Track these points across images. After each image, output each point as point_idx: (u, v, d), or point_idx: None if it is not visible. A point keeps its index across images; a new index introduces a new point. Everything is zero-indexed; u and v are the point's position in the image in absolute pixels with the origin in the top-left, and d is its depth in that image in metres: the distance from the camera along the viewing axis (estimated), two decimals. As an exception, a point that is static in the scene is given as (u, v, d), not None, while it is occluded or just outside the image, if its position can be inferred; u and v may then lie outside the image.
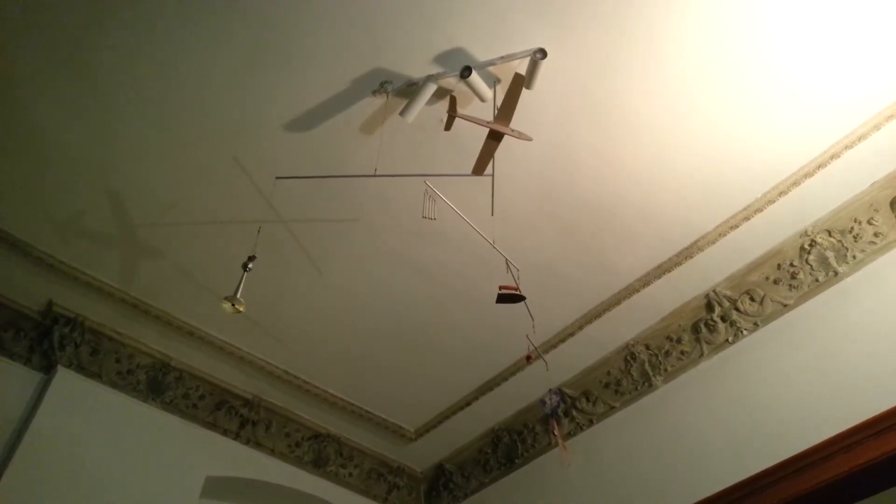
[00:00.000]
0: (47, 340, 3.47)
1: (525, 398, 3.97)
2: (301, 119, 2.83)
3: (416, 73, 2.66)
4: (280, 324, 3.64)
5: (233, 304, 2.42)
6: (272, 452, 3.99)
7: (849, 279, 3.07)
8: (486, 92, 2.64)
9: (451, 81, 2.66)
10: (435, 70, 2.64)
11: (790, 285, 3.23)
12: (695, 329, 3.49)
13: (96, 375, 3.53)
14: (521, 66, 2.58)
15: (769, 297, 3.28)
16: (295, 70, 2.68)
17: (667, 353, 3.57)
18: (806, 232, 3.18)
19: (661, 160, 2.94)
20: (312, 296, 3.50)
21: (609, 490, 3.50)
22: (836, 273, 3.10)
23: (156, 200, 3.11)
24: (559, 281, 3.40)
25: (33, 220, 3.18)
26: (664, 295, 3.44)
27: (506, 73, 2.60)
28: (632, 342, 3.66)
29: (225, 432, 3.85)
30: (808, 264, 3.17)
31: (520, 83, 2.49)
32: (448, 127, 2.65)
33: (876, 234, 3.03)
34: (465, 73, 2.54)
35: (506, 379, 3.87)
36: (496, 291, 2.54)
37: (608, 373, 3.76)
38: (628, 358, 3.67)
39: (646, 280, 3.38)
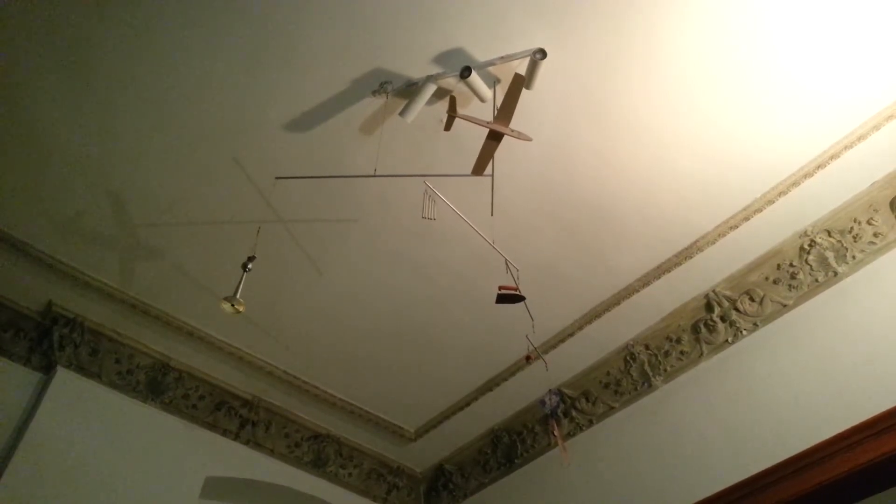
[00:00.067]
0: (47, 341, 3.47)
1: (525, 398, 3.97)
2: (301, 119, 2.83)
3: (416, 73, 2.66)
4: (280, 324, 3.64)
5: (232, 305, 2.42)
6: (272, 453, 3.99)
7: (848, 279, 3.07)
8: (486, 92, 2.64)
9: (451, 82, 2.66)
10: (435, 70, 2.64)
11: (790, 285, 3.23)
12: (694, 329, 3.49)
13: (96, 376, 3.53)
14: (521, 67, 2.58)
15: (769, 297, 3.28)
16: (295, 70, 2.68)
17: (666, 354, 3.57)
18: (805, 232, 3.18)
19: (660, 160, 2.94)
20: (312, 296, 3.50)
21: (609, 490, 3.50)
22: (835, 273, 3.10)
23: (156, 200, 3.11)
24: (559, 281, 3.40)
25: (33, 220, 3.18)
26: (664, 295, 3.44)
27: (505, 74, 2.60)
28: (631, 342, 3.66)
29: (224, 433, 3.85)
30: (808, 264, 3.17)
31: (519, 83, 2.49)
32: (448, 127, 2.65)
33: (875, 235, 3.03)
34: (465, 73, 2.54)
35: (505, 379, 3.87)
36: (496, 291, 2.54)
37: (608, 373, 3.76)
38: (628, 358, 3.67)
39: (645, 280, 3.38)
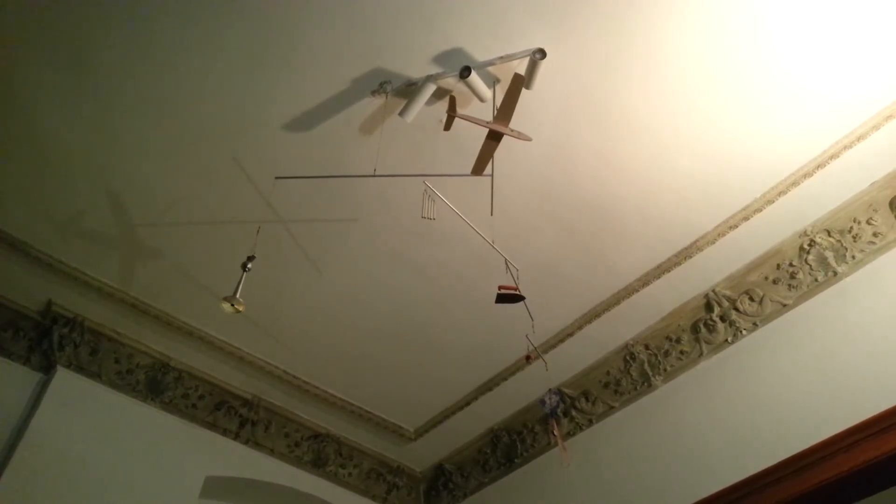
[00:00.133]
0: (46, 340, 3.47)
1: (524, 398, 3.97)
2: (301, 119, 2.83)
3: (416, 73, 2.66)
4: (279, 324, 3.64)
5: (232, 304, 2.42)
6: (272, 452, 3.99)
7: (848, 279, 3.07)
8: (486, 92, 2.64)
9: (451, 81, 2.66)
10: (434, 70, 2.64)
11: (789, 285, 3.23)
12: (694, 329, 3.49)
13: (96, 375, 3.53)
14: (521, 67, 2.58)
15: (768, 297, 3.28)
16: (295, 70, 2.68)
17: (666, 353, 3.57)
18: (805, 232, 3.18)
19: (660, 160, 2.94)
20: (312, 296, 3.50)
21: (608, 490, 3.50)
22: (835, 273, 3.10)
23: (156, 200, 3.11)
24: (559, 281, 3.40)
25: (33, 220, 3.18)
26: (663, 295, 3.44)
27: (505, 74, 2.60)
28: (631, 342, 3.66)
29: (224, 432, 3.85)
30: (808, 264, 3.17)
31: (519, 83, 2.49)
32: (447, 127, 2.65)
33: (875, 234, 3.03)
34: (465, 73, 2.54)
35: (505, 379, 3.87)
36: (496, 291, 2.54)
37: (608, 373, 3.76)
38: (628, 358, 3.67)
39: (645, 280, 3.38)
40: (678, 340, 3.53)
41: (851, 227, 3.08)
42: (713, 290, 3.41)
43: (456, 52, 2.60)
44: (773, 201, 3.05)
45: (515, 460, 4.07)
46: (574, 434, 3.82)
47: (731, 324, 3.36)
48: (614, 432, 3.66)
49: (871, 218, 3.04)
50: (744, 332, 3.33)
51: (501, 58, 2.58)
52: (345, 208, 3.14)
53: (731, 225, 3.15)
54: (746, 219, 3.12)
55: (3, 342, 3.38)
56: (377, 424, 4.19)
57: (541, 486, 3.85)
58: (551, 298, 3.46)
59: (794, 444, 2.83)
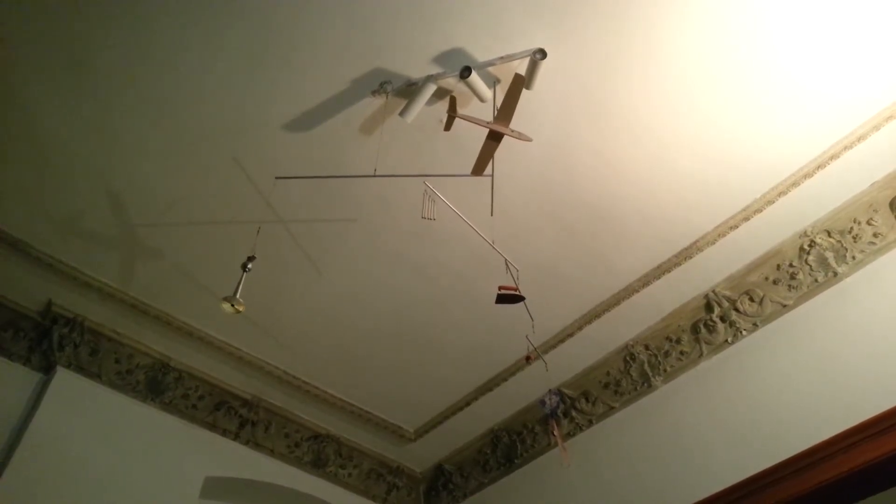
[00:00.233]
0: (46, 341, 3.47)
1: (524, 398, 3.97)
2: (301, 119, 2.83)
3: (416, 73, 2.66)
4: (279, 324, 3.64)
5: (232, 305, 2.42)
6: (271, 453, 3.99)
7: (848, 279, 3.07)
8: (486, 92, 2.64)
9: (451, 82, 2.66)
10: (434, 70, 2.64)
11: (789, 286, 3.23)
12: (694, 329, 3.49)
13: (95, 376, 3.53)
14: (521, 67, 2.58)
15: (768, 297, 3.28)
16: (295, 70, 2.68)
17: (666, 354, 3.57)
18: (805, 232, 3.18)
19: (660, 160, 2.94)
20: (312, 296, 3.50)
21: (608, 490, 3.50)
22: (835, 273, 3.10)
23: (155, 200, 3.11)
24: (559, 281, 3.40)
25: (33, 220, 3.18)
26: (664, 295, 3.44)
27: (505, 74, 2.60)
28: (631, 342, 3.66)
29: (224, 433, 3.85)
30: (808, 265, 3.17)
31: (519, 83, 2.49)
32: (448, 127, 2.65)
33: (875, 235, 3.03)
34: (465, 73, 2.54)
35: (505, 379, 3.87)
36: (496, 291, 2.54)
37: (608, 373, 3.76)
38: (628, 358, 3.67)
39: (645, 280, 3.38)
40: (678, 341, 3.53)
41: (852, 228, 3.08)
42: (713, 291, 3.41)
43: (456, 52, 2.60)
44: (774, 202, 3.05)
45: (515, 461, 4.07)
46: (574, 434, 3.82)
47: (732, 324, 3.36)
48: (614, 433, 3.66)
49: (871, 218, 3.04)
50: (744, 332, 3.33)
51: (501, 58, 2.58)
52: (345, 208, 3.14)
53: (731, 225, 3.15)
54: (746, 219, 3.12)
55: (3, 342, 3.38)
56: (377, 425, 4.19)
57: (541, 487, 3.85)
58: (551, 298, 3.46)
59: (793, 445, 2.83)
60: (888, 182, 3.00)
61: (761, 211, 3.08)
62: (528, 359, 2.84)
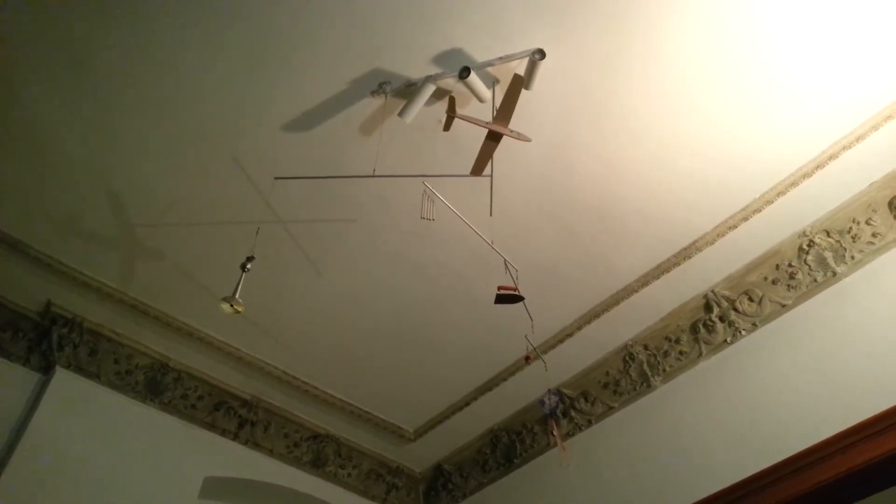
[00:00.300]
0: (46, 341, 3.47)
1: (524, 398, 3.97)
2: (300, 119, 2.84)
3: (415, 73, 2.67)
4: (279, 324, 3.64)
5: (231, 305, 2.42)
6: (271, 453, 3.99)
7: (847, 279, 3.07)
8: (485, 92, 2.64)
9: (450, 82, 2.67)
10: (434, 70, 2.65)
11: (788, 286, 3.23)
12: (693, 329, 3.49)
13: (95, 376, 3.52)
14: (520, 67, 2.58)
15: (767, 297, 3.28)
16: (295, 70, 2.68)
17: (665, 354, 3.57)
18: (804, 232, 3.18)
19: (660, 160, 2.94)
20: (311, 296, 3.50)
21: (608, 490, 3.50)
22: (834, 273, 3.10)
23: (155, 200, 3.11)
24: (558, 281, 3.40)
25: (32, 220, 3.17)
26: (663, 295, 3.45)
27: (505, 74, 2.60)
28: (630, 342, 3.66)
29: (223, 433, 3.84)
30: (807, 265, 3.18)
31: (519, 84, 2.49)
32: (447, 127, 2.66)
33: (874, 235, 3.03)
34: (464, 73, 2.54)
35: (505, 379, 3.87)
36: (495, 291, 2.54)
37: (607, 373, 3.76)
38: (627, 358, 3.68)
39: (644, 280, 3.38)
40: (677, 341, 3.54)
41: (850, 228, 3.09)
42: (712, 291, 3.41)
43: (455, 53, 2.60)
44: (773, 202, 3.05)
45: (515, 461, 4.07)
46: (573, 434, 3.82)
47: (731, 324, 3.37)
48: (613, 433, 3.66)
49: (870, 218, 3.04)
50: (743, 332, 3.33)
51: (501, 58, 2.58)
52: (344, 209, 3.14)
53: (730, 225, 3.15)
54: (746, 219, 3.12)
55: (3, 343, 3.38)
56: (376, 425, 4.19)
57: (540, 487, 3.85)
58: (551, 298, 3.46)
59: (792, 445, 2.83)
60: (887, 182, 3.00)
61: (760, 211, 3.09)
62: (527, 359, 2.84)
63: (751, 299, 3.33)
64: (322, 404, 4.05)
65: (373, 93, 2.73)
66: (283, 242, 3.26)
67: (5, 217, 3.16)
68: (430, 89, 2.64)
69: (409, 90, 2.69)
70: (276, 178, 2.91)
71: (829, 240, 3.13)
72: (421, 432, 4.26)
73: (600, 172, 2.98)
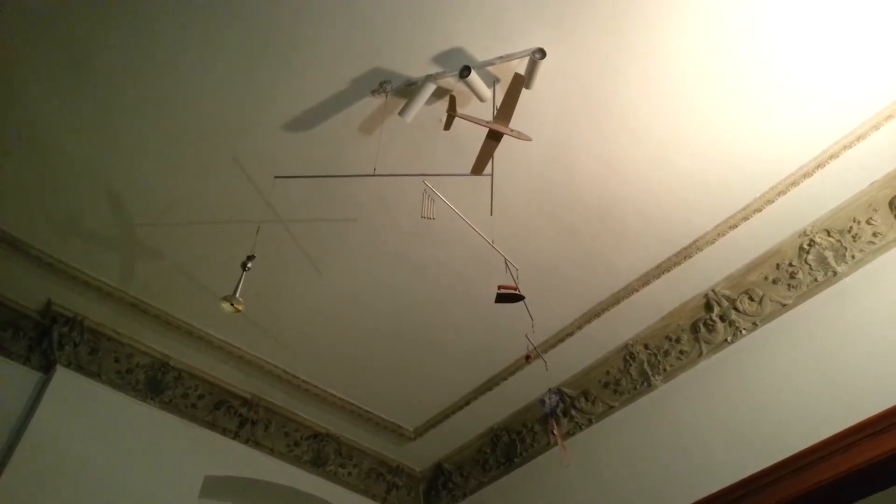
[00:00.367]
0: (46, 340, 3.47)
1: (524, 398, 3.97)
2: (300, 119, 2.83)
3: (416, 72, 2.66)
4: (279, 323, 3.64)
5: (232, 304, 2.42)
6: (271, 452, 3.99)
7: (847, 279, 3.07)
8: (486, 92, 2.64)
9: (451, 81, 2.67)
10: (434, 70, 2.64)
11: (789, 285, 3.23)
12: (694, 329, 3.49)
13: (95, 375, 3.53)
14: (521, 66, 2.58)
15: (768, 296, 3.28)
16: (294, 70, 2.68)
17: (666, 353, 3.57)
18: (805, 232, 3.18)
19: (660, 160, 2.94)
20: (311, 295, 3.50)
21: (608, 489, 3.50)
22: (834, 273, 3.10)
23: (155, 200, 3.11)
24: (558, 281, 3.40)
25: (33, 220, 3.18)
26: (663, 295, 3.45)
27: (505, 73, 2.60)
28: (631, 342, 3.66)
29: (224, 432, 3.85)
30: (807, 264, 3.18)
31: (519, 83, 2.49)
32: (447, 127, 2.65)
33: (875, 234, 3.03)
34: (465, 72, 2.54)
35: (505, 379, 3.87)
36: (496, 291, 2.54)
37: (607, 372, 3.76)
38: (627, 357, 3.68)
39: (645, 280, 3.38)
40: (678, 340, 3.54)
41: (851, 227, 3.09)
42: (713, 290, 3.41)
43: (456, 52, 2.60)
44: (773, 201, 3.05)
45: (515, 460, 4.08)
46: (574, 434, 3.83)
47: (731, 323, 3.37)
48: (614, 432, 3.66)
49: (870, 218, 3.04)
50: (743, 331, 3.33)
51: (501, 58, 2.58)
52: (345, 208, 3.14)
53: (730, 225, 3.15)
54: (746, 219, 3.12)
55: (3, 342, 3.38)
56: (377, 424, 4.20)
57: (540, 486, 3.86)
58: (551, 298, 3.46)
59: (793, 444, 2.83)
60: (887, 181, 3.00)
61: (761, 210, 3.08)
62: (527, 358, 2.84)
63: (751, 299, 3.33)
64: (322, 403, 4.05)
65: (373, 92, 2.73)
66: (284, 242, 3.26)
67: (5, 216, 3.17)
68: (431, 88, 2.63)
69: (409, 89, 2.69)
70: (276, 178, 2.91)
71: (830, 239, 3.13)
72: (421, 431, 4.26)
73: (600, 172, 2.98)
